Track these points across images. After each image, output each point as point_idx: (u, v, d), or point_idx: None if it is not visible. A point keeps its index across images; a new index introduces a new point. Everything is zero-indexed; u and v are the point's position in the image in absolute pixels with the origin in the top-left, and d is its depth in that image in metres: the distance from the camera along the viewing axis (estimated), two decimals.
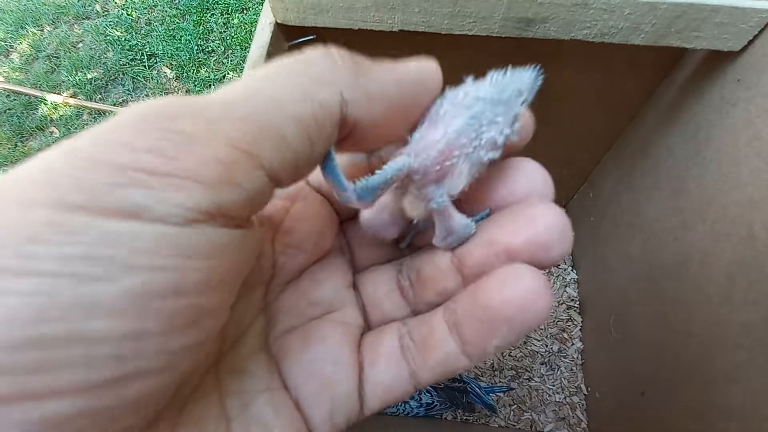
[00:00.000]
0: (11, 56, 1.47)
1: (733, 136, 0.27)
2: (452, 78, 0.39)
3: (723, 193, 0.28)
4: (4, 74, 1.43)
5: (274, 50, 0.28)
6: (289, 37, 0.29)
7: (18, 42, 1.49)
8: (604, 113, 0.41)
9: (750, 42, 0.26)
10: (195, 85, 1.35)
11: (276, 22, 0.28)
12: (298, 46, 0.30)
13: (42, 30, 1.53)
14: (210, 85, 1.35)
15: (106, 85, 1.39)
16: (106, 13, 1.55)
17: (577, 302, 0.57)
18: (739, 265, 0.27)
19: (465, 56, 0.34)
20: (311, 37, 0.29)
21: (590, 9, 0.25)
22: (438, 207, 0.12)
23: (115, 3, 1.57)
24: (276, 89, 0.10)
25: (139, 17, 1.53)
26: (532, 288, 0.11)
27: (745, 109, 0.26)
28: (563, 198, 0.61)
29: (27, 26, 1.52)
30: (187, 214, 0.08)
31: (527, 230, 0.12)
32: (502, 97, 0.12)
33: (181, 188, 0.08)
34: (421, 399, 0.53)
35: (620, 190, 0.43)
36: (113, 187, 0.08)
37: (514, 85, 0.12)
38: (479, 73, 0.39)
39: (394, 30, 0.27)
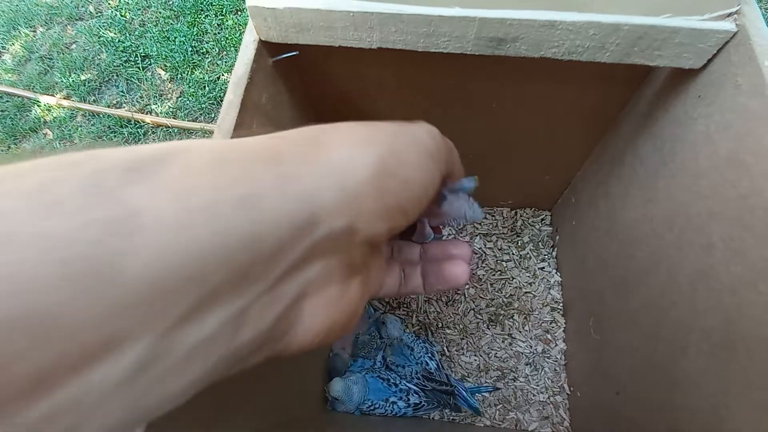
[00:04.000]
0: (4, 57, 1.47)
1: (694, 151, 0.28)
2: (435, 91, 0.40)
3: (687, 204, 0.30)
4: None
5: (258, 66, 0.29)
6: (273, 53, 0.31)
7: (10, 43, 1.49)
8: (583, 123, 0.42)
9: (709, 60, 0.27)
10: (189, 87, 1.35)
11: (260, 39, 0.29)
12: (282, 62, 0.31)
13: (35, 31, 1.52)
14: (204, 86, 1.36)
15: (100, 86, 1.39)
16: (99, 14, 1.55)
17: (561, 304, 0.59)
18: (700, 273, 0.28)
19: (444, 71, 0.35)
20: (294, 53, 0.31)
21: (557, 29, 0.26)
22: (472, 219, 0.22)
23: (109, 4, 1.57)
24: (417, 174, 0.17)
25: (132, 18, 1.53)
26: (468, 270, 0.22)
27: (705, 125, 0.28)
28: (548, 202, 0.63)
29: (19, 27, 1.52)
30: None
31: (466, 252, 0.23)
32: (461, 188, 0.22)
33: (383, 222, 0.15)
34: (408, 399, 0.54)
35: (598, 196, 0.45)
36: None
37: (464, 185, 0.22)
38: (459, 89, 0.41)
39: (372, 48, 0.28)
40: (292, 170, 0.13)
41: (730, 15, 0.26)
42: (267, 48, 0.30)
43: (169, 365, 0.11)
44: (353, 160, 0.14)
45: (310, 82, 0.36)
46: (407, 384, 0.54)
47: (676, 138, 0.31)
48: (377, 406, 0.53)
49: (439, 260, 0.23)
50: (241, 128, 0.27)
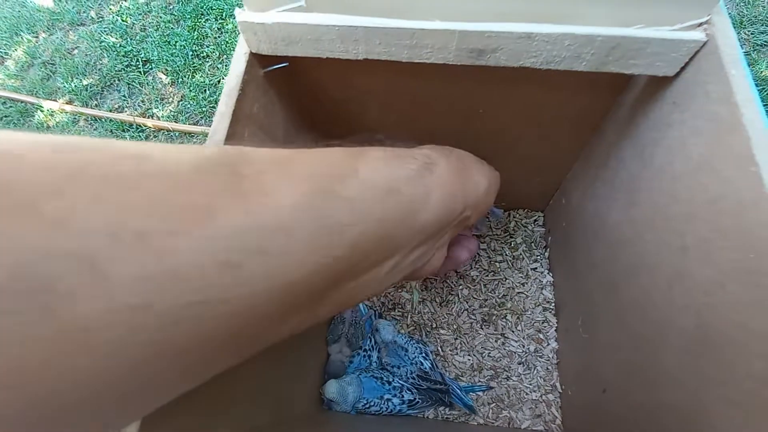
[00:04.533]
0: (6, 63, 1.49)
1: (670, 155, 0.29)
2: (422, 97, 0.41)
3: (665, 207, 0.31)
4: (0, 81, 1.45)
5: (249, 78, 0.30)
6: (263, 65, 0.32)
7: (13, 49, 1.51)
8: (569, 127, 0.43)
9: (682, 69, 0.28)
10: (190, 90, 1.37)
11: (251, 52, 0.30)
12: (273, 73, 0.32)
13: (37, 37, 1.54)
14: (205, 90, 1.37)
15: (102, 91, 1.41)
16: (101, 19, 1.57)
17: (553, 304, 0.60)
18: (677, 274, 0.29)
19: (430, 78, 0.36)
20: (285, 64, 0.32)
21: (534, 41, 0.27)
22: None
23: (110, 9, 1.59)
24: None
25: (133, 23, 1.55)
26: (469, 255, 0.33)
27: (679, 131, 0.29)
28: (541, 204, 0.64)
29: (22, 33, 1.54)
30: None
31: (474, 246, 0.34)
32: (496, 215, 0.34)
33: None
34: (403, 396, 0.55)
35: (586, 198, 0.46)
36: None
37: (499, 214, 0.36)
38: (446, 95, 0.42)
39: (359, 59, 0.29)
40: (465, 183, 0.26)
41: (700, 25, 0.27)
42: (258, 59, 0.31)
43: (397, 270, 0.22)
44: (481, 183, 0.28)
45: (302, 92, 0.38)
46: (401, 381, 0.55)
47: (655, 143, 0.32)
48: (372, 404, 0.54)
49: (450, 246, 0.31)
50: (233, 138, 0.28)
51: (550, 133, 0.44)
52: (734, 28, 0.27)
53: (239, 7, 0.28)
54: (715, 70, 0.25)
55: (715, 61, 0.26)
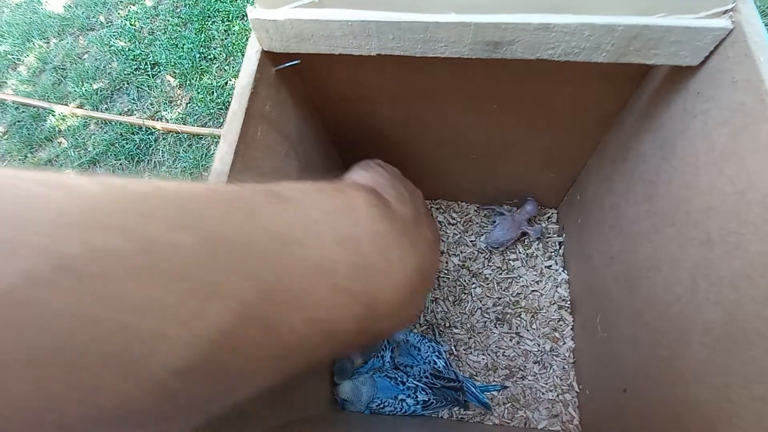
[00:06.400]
0: (19, 69, 1.51)
1: (694, 147, 0.29)
2: (435, 93, 0.41)
3: (687, 200, 0.30)
4: (13, 87, 1.47)
5: (261, 76, 0.30)
6: (275, 63, 0.31)
7: (25, 55, 1.52)
8: (585, 120, 0.42)
9: (707, 58, 0.27)
10: (198, 93, 1.38)
11: (262, 50, 0.30)
12: (285, 70, 0.32)
13: (48, 42, 1.56)
14: (212, 92, 1.38)
15: (112, 94, 1.42)
16: (110, 23, 1.58)
17: (568, 302, 0.59)
18: (700, 268, 0.28)
19: (443, 74, 0.36)
20: (297, 62, 0.31)
21: (552, 32, 0.26)
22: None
23: (119, 13, 1.60)
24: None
25: (142, 27, 1.56)
26: None
27: (703, 121, 0.28)
28: (555, 200, 0.63)
29: (33, 39, 1.56)
30: None
31: None
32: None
33: None
34: (417, 397, 0.55)
35: (602, 193, 0.45)
36: None
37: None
38: (459, 91, 0.41)
39: (372, 54, 0.29)
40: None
41: (725, 12, 0.26)
42: (270, 58, 0.31)
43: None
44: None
45: (313, 89, 0.37)
46: (415, 381, 0.55)
47: (676, 134, 0.31)
48: (386, 404, 0.54)
49: None
50: (246, 137, 0.28)
51: (566, 128, 0.43)
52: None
53: (250, 5, 0.28)
54: (741, 58, 0.25)
55: (741, 49, 0.25)
